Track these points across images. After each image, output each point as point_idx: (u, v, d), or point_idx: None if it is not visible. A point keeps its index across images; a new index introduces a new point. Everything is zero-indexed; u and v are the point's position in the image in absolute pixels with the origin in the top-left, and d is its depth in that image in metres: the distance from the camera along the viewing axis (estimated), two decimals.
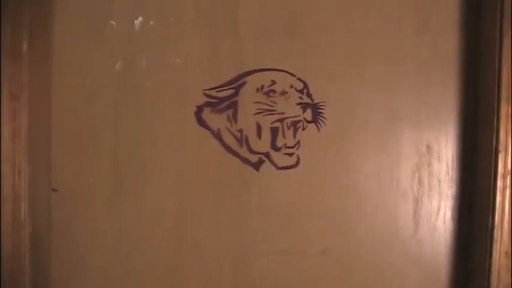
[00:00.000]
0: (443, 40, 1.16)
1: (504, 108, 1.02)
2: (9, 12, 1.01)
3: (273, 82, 1.15)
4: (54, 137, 1.14)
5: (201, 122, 1.15)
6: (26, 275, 1.05)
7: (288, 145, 1.16)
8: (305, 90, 1.15)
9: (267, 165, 1.16)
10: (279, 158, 1.16)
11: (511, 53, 1.03)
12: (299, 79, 1.15)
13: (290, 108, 1.15)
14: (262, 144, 1.16)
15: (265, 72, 1.16)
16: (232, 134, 1.16)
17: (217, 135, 1.16)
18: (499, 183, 1.02)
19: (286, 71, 1.16)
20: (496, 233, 1.03)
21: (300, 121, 1.16)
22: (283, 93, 1.15)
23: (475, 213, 1.13)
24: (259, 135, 1.16)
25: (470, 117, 1.16)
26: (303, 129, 1.16)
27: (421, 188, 1.16)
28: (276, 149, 1.16)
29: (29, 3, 1.03)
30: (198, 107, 1.15)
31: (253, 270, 1.17)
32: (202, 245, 1.17)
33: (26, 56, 1.03)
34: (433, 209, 1.14)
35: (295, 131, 1.16)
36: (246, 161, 1.16)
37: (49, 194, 1.13)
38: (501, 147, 1.02)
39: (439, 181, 1.13)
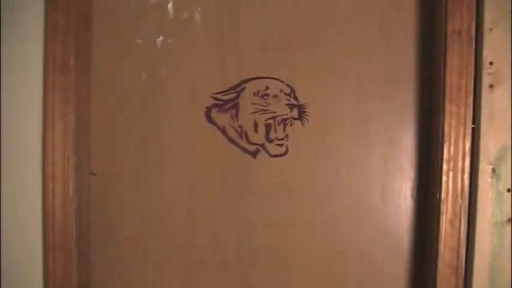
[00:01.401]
0: (404, 53, 1.38)
1: (448, 107, 1.25)
2: (59, 35, 1.28)
3: (267, 87, 1.40)
4: (93, 132, 1.41)
5: (209, 119, 1.41)
6: (73, 240, 1.31)
7: (278, 137, 1.41)
8: (292, 94, 1.40)
9: (262, 154, 1.41)
10: (272, 148, 1.41)
11: (453, 65, 1.25)
12: (287, 85, 1.40)
13: (280, 108, 1.40)
14: (258, 137, 1.41)
15: (260, 80, 1.41)
16: (235, 129, 1.42)
17: (223, 130, 1.41)
18: (445, 167, 1.25)
19: (277, 79, 1.40)
20: (442, 207, 1.26)
21: (288, 118, 1.40)
22: (275, 96, 1.40)
23: (428, 191, 1.36)
24: (256, 130, 1.42)
25: (425, 116, 1.38)
26: (291, 125, 1.40)
27: (387, 172, 1.38)
28: (269, 140, 1.41)
29: (74, 28, 1.28)
30: (207, 107, 1.41)
31: (252, 239, 1.42)
32: (211, 218, 1.43)
33: (73, 68, 1.28)
34: (396, 189, 1.37)
35: (284, 126, 1.41)
36: (245, 150, 1.42)
37: (89, 177, 1.40)
38: (446, 138, 1.25)
39: (401, 166, 1.37)
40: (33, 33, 1.31)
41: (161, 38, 1.43)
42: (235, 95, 1.42)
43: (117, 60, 1.43)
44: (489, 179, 1.29)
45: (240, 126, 1.43)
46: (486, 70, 1.28)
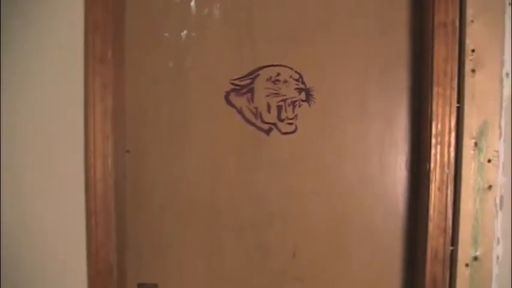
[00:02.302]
0: (397, 42, 1.52)
1: (435, 89, 1.39)
2: (98, 29, 1.44)
3: (278, 74, 1.54)
4: (127, 114, 1.57)
5: (228, 102, 1.56)
6: (112, 207, 1.47)
7: (288, 117, 1.55)
8: (300, 79, 1.54)
9: (274, 132, 1.56)
10: (283, 126, 1.56)
11: (440, 52, 1.39)
12: (296, 71, 1.54)
13: (290, 91, 1.55)
14: (271, 117, 1.56)
15: (272, 67, 1.55)
16: (250, 110, 1.57)
17: (240, 112, 1.56)
18: (433, 141, 1.39)
19: (287, 66, 1.55)
20: (432, 176, 1.40)
21: (297, 100, 1.55)
22: (285, 81, 1.55)
23: (419, 162, 1.50)
24: (269, 111, 1.56)
25: (416, 97, 1.52)
26: (299, 106, 1.55)
27: (384, 147, 1.53)
28: (281, 120, 1.56)
29: (111, 23, 1.45)
30: (226, 92, 1.56)
31: (266, 205, 1.57)
32: (230, 188, 1.57)
33: (110, 59, 1.44)
34: (392, 161, 1.53)
35: (294, 107, 1.55)
36: (260, 128, 1.56)
37: (124, 154, 1.56)
38: (434, 116, 1.39)
39: (396, 142, 1.51)
40: (74, 27, 1.46)
41: (185, 31, 1.57)
42: (250, 80, 1.56)
43: (147, 51, 1.57)
44: (472, 151, 1.42)
45: (255, 108, 1.57)
46: (468, 57, 1.40)
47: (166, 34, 1.58)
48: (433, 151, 1.44)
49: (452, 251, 1.45)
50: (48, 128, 1.50)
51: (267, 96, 1.57)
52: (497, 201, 1.44)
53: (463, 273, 1.43)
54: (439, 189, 1.44)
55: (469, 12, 1.41)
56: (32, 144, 1.50)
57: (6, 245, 1.52)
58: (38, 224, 1.52)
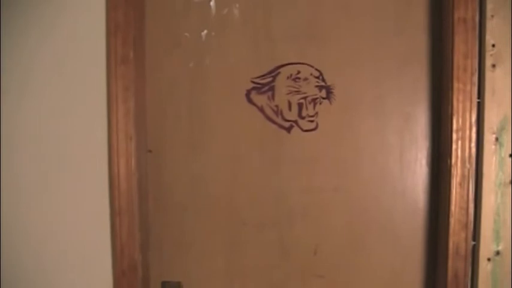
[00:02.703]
0: (416, 38, 1.53)
1: (456, 85, 1.40)
2: (120, 32, 1.46)
3: (298, 72, 1.56)
4: (148, 114, 1.59)
5: (249, 100, 1.58)
6: (135, 206, 1.49)
7: (309, 115, 1.57)
8: (320, 77, 1.55)
9: (295, 129, 1.57)
10: (304, 123, 1.57)
11: (460, 48, 1.40)
12: (316, 69, 1.55)
13: (310, 89, 1.56)
14: (292, 115, 1.58)
15: (293, 65, 1.57)
16: (271, 108, 1.58)
17: (261, 109, 1.58)
18: (454, 136, 1.41)
19: (307, 64, 1.56)
20: (453, 171, 1.42)
21: (317, 98, 1.56)
22: (306, 79, 1.56)
23: (440, 158, 1.51)
24: (290, 108, 1.58)
25: (436, 93, 1.53)
26: (320, 104, 1.56)
27: (403, 143, 1.54)
28: (302, 117, 1.57)
29: (132, 25, 1.47)
30: (247, 90, 1.57)
31: (287, 202, 1.58)
32: (252, 185, 1.59)
33: (132, 60, 1.47)
34: (412, 158, 1.53)
35: (315, 105, 1.57)
36: (281, 126, 1.58)
37: (146, 154, 1.58)
38: (454, 111, 1.40)
39: (416, 138, 1.52)
40: (96, 29, 1.48)
41: (205, 31, 1.59)
42: (271, 78, 1.58)
43: (168, 52, 1.59)
44: (493, 146, 1.43)
45: (276, 106, 1.59)
46: (488, 52, 1.42)
47: (186, 34, 1.60)
48: (453, 146, 1.45)
49: (474, 246, 1.46)
50: (73, 130, 1.53)
51: (288, 94, 1.59)
52: None
53: (484, 268, 1.45)
54: (460, 184, 1.45)
55: (489, 7, 1.42)
56: (56, 146, 1.53)
57: (30, 244, 1.56)
58: (62, 225, 1.55)
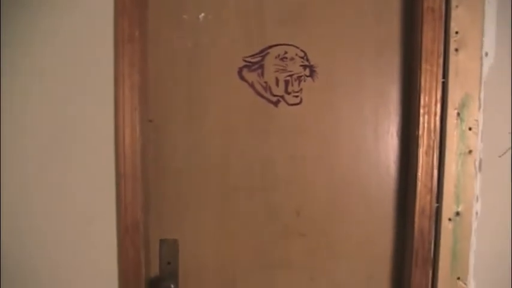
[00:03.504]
0: (391, 24, 1.63)
1: (424, 66, 1.52)
2: (126, 13, 1.56)
3: (285, 52, 1.64)
4: (150, 88, 1.65)
5: (241, 77, 1.66)
6: (139, 171, 1.60)
7: (294, 91, 1.66)
8: (305, 57, 1.64)
9: (282, 103, 1.66)
10: (290, 98, 1.66)
11: (428, 34, 1.52)
12: (301, 50, 1.64)
13: (296, 68, 1.65)
14: (279, 90, 1.66)
15: (280, 46, 1.65)
16: (261, 84, 1.66)
17: (252, 85, 1.66)
18: (421, 111, 1.52)
19: (293, 45, 1.64)
20: (420, 141, 1.53)
21: (302, 76, 1.65)
22: (292, 59, 1.65)
23: (409, 130, 1.61)
24: (277, 84, 1.66)
25: (407, 73, 1.62)
26: (304, 81, 1.65)
27: (379, 117, 1.64)
28: (288, 93, 1.66)
29: (137, 7, 1.56)
30: (239, 68, 1.65)
31: (274, 169, 1.67)
32: (242, 154, 1.67)
33: (137, 39, 1.56)
34: (385, 130, 1.64)
35: (299, 82, 1.65)
36: (269, 101, 1.66)
37: (147, 123, 1.66)
38: (422, 89, 1.52)
39: (389, 112, 1.63)
40: (105, 11, 1.56)
41: (203, 14, 1.65)
42: (261, 58, 1.66)
43: (169, 32, 1.66)
44: (455, 121, 1.54)
45: (265, 82, 1.66)
46: (453, 38, 1.53)
47: (185, 16, 1.66)
48: (421, 120, 1.55)
49: (437, 207, 1.58)
50: (83, 101, 1.60)
51: (276, 71, 1.67)
52: (477, 164, 1.56)
53: (446, 227, 1.56)
54: (426, 153, 1.56)
55: None
56: (67, 116, 1.60)
57: (40, 202, 1.64)
58: (71, 187, 1.63)
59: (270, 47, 1.67)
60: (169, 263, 1.73)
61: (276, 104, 1.69)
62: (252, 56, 1.68)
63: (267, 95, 1.68)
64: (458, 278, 1.59)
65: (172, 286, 1.68)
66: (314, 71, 1.67)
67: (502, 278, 1.61)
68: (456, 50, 1.54)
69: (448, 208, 1.58)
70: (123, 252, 1.63)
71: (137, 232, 1.63)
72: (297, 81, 1.68)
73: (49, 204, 1.64)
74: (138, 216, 1.62)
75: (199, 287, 1.75)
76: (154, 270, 1.74)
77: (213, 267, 1.74)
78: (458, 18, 1.54)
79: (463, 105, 1.55)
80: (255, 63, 1.67)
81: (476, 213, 1.58)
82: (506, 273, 1.60)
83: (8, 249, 1.65)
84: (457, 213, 1.57)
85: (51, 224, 1.65)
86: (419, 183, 1.58)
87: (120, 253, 1.63)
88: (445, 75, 1.56)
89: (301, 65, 1.67)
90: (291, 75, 1.67)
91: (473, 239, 1.58)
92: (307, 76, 1.67)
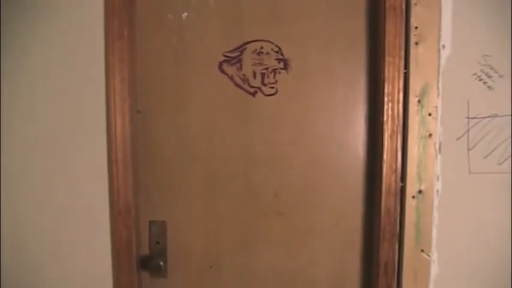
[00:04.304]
0: (358, 21, 1.71)
1: (387, 59, 1.61)
2: (116, 13, 1.67)
3: (262, 47, 1.74)
4: (138, 81, 1.77)
5: (221, 70, 1.75)
6: (130, 158, 1.72)
7: (270, 82, 1.75)
8: (280, 52, 1.74)
9: (259, 94, 1.76)
10: (266, 89, 1.76)
11: (390, 29, 1.60)
12: (276, 45, 1.73)
13: (271, 61, 1.75)
14: (256, 82, 1.76)
15: (257, 42, 1.74)
16: (239, 77, 1.76)
17: (231, 78, 1.76)
18: (386, 99, 1.61)
19: (269, 41, 1.74)
20: (385, 126, 1.62)
21: (277, 69, 1.74)
22: (267, 53, 1.74)
23: (375, 116, 1.70)
24: (254, 77, 1.75)
25: (373, 65, 1.71)
26: (279, 73, 1.74)
27: (348, 105, 1.73)
28: (264, 84, 1.75)
29: (125, 8, 1.68)
30: (220, 62, 1.75)
31: (253, 154, 1.78)
32: (224, 141, 1.78)
33: (126, 37, 1.68)
34: (354, 117, 1.74)
35: (275, 74, 1.75)
36: (247, 92, 1.76)
37: (136, 114, 1.78)
38: (386, 79, 1.61)
39: (357, 101, 1.72)
40: (95, 12, 1.68)
41: (186, 13, 1.75)
42: (239, 53, 1.75)
43: (155, 30, 1.76)
44: (416, 107, 1.62)
45: (243, 75, 1.76)
46: (413, 32, 1.61)
47: (170, 15, 1.76)
48: (385, 107, 1.64)
49: (402, 186, 1.66)
50: (76, 95, 1.72)
51: (253, 65, 1.75)
52: (437, 146, 1.64)
53: (410, 204, 1.65)
54: (390, 137, 1.65)
55: None
56: (62, 108, 1.72)
57: (39, 187, 1.76)
58: (66, 173, 1.75)
59: (248, 42, 1.76)
60: (158, 243, 1.85)
61: (253, 94, 1.78)
62: (231, 51, 1.77)
63: (246, 86, 1.78)
64: (422, 250, 1.67)
65: (161, 263, 1.83)
66: (288, 64, 1.76)
67: (463, 249, 1.69)
68: (416, 43, 1.61)
69: (412, 187, 1.66)
70: (116, 232, 1.75)
71: (129, 214, 1.75)
72: (273, 74, 1.76)
73: (47, 189, 1.77)
74: (129, 200, 1.75)
75: (186, 263, 1.87)
76: (145, 249, 1.87)
77: (199, 245, 1.86)
78: (418, 14, 1.61)
79: (423, 93, 1.62)
80: (234, 58, 1.76)
81: (437, 191, 1.66)
82: (466, 243, 1.69)
83: (7, 231, 1.78)
84: (420, 192, 1.66)
85: (49, 208, 1.78)
86: (385, 165, 1.66)
87: (114, 233, 1.76)
88: (406, 66, 1.63)
89: (276, 59, 1.75)
90: (266, 68, 1.76)
91: (435, 214, 1.66)
92: (281, 69, 1.76)
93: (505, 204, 1.68)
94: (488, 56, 1.63)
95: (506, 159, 1.67)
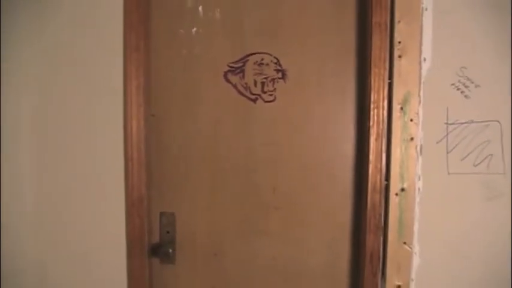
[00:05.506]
0: (348, 37, 1.82)
1: (373, 70, 1.72)
2: (134, 27, 1.85)
3: (262, 59, 1.86)
4: (152, 88, 1.92)
5: (226, 79, 1.89)
6: (143, 156, 1.88)
7: (269, 90, 1.88)
8: (278, 63, 1.86)
9: (260, 101, 1.89)
10: (266, 96, 1.88)
11: (376, 43, 1.73)
12: (275, 57, 1.86)
13: (270, 72, 1.87)
14: (257, 90, 1.88)
15: (258, 54, 1.87)
16: (242, 85, 1.88)
17: (235, 86, 1.89)
18: (372, 106, 1.73)
19: (268, 53, 1.87)
20: (371, 130, 1.74)
21: (275, 78, 1.87)
22: (267, 64, 1.87)
23: (363, 121, 1.81)
24: (255, 85, 1.88)
25: (361, 75, 1.82)
26: (277, 82, 1.87)
27: (338, 111, 1.86)
28: (264, 92, 1.88)
29: (142, 23, 1.86)
30: (225, 72, 1.88)
31: (254, 154, 1.91)
32: (228, 142, 1.90)
33: (142, 49, 1.84)
34: (344, 121, 1.86)
35: (273, 83, 1.87)
36: (249, 98, 1.88)
37: (150, 117, 1.92)
38: (372, 88, 1.74)
39: (347, 107, 1.84)
40: (115, 26, 1.84)
41: (195, 28, 1.89)
42: (242, 64, 1.87)
43: (168, 43, 1.90)
44: (398, 113, 1.73)
45: (246, 83, 1.88)
46: (396, 47, 1.72)
47: (181, 30, 1.89)
48: (371, 113, 1.75)
49: (386, 184, 1.77)
50: (97, 100, 1.87)
51: (254, 75, 1.88)
52: (418, 149, 1.75)
53: (394, 200, 1.77)
54: (376, 140, 1.76)
55: (397, 14, 1.73)
56: (84, 110, 1.88)
57: (61, 182, 1.92)
58: (86, 169, 1.91)
59: (250, 55, 1.88)
60: (168, 232, 2.00)
61: (254, 101, 1.90)
62: (235, 62, 1.89)
63: (247, 94, 1.90)
64: (405, 243, 1.78)
65: (170, 251, 1.99)
66: (285, 74, 1.88)
67: (442, 242, 1.80)
68: (399, 56, 1.73)
69: (395, 185, 1.77)
70: (130, 222, 1.91)
71: (142, 206, 1.90)
72: (272, 83, 1.88)
73: (70, 183, 1.94)
74: (142, 193, 1.90)
75: (192, 251, 2.01)
76: (155, 238, 2.00)
77: (204, 235, 1.98)
78: (401, 31, 1.73)
79: (405, 101, 1.73)
80: (237, 68, 1.89)
81: (419, 189, 1.77)
82: (445, 237, 1.80)
83: (34, 221, 1.96)
84: (402, 189, 1.76)
85: (71, 200, 1.95)
86: (371, 165, 1.78)
87: (128, 223, 1.91)
88: (390, 76, 1.75)
89: (275, 69, 1.88)
90: (266, 78, 1.88)
91: (416, 210, 1.78)
92: (279, 78, 1.88)
93: (479, 201, 1.79)
94: (465, 68, 1.75)
95: (481, 161, 1.77)
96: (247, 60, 1.89)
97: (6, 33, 1.88)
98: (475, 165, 1.78)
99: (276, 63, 1.88)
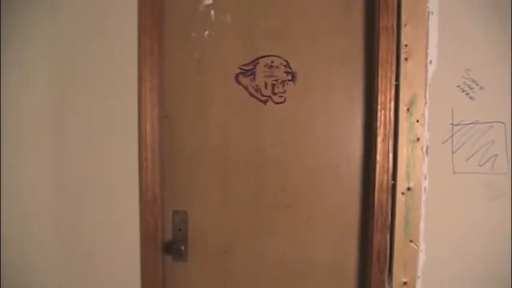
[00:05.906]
0: (356, 40, 1.85)
1: (381, 72, 1.76)
2: (148, 32, 1.89)
3: (272, 61, 1.89)
4: (166, 90, 1.95)
5: (238, 81, 1.91)
6: (157, 156, 1.91)
7: (280, 91, 1.91)
8: (288, 65, 1.89)
9: (270, 102, 1.92)
10: (276, 98, 1.91)
11: (383, 46, 1.76)
12: (285, 60, 1.89)
13: (280, 74, 1.90)
14: (267, 92, 1.91)
15: (268, 57, 1.90)
16: (253, 87, 1.91)
17: (246, 88, 1.91)
18: (379, 107, 1.76)
19: (278, 56, 1.90)
20: (378, 131, 1.78)
21: (285, 80, 1.90)
22: (277, 67, 1.89)
23: (371, 122, 1.84)
24: (266, 87, 1.91)
25: (368, 77, 1.85)
26: (287, 84, 1.90)
27: (346, 112, 1.89)
28: (274, 94, 1.91)
29: (156, 27, 1.90)
30: (236, 74, 1.91)
31: (263, 154, 1.94)
32: (238, 142, 1.94)
33: (156, 52, 1.88)
34: (352, 122, 1.89)
35: (283, 85, 1.90)
36: (259, 100, 1.91)
37: (163, 119, 1.95)
38: (379, 90, 1.77)
39: (355, 108, 1.88)
40: (130, 30, 1.89)
41: (207, 32, 1.92)
42: (253, 66, 1.90)
43: (180, 46, 1.93)
44: (405, 115, 1.76)
45: (256, 85, 1.90)
46: (403, 50, 1.76)
47: (193, 34, 1.93)
48: (379, 114, 1.78)
49: (393, 183, 1.80)
50: (113, 101, 1.91)
51: (265, 77, 1.90)
52: (424, 149, 1.78)
53: (400, 199, 1.79)
54: (383, 140, 1.79)
55: (403, 18, 1.76)
56: (100, 112, 1.93)
57: (79, 181, 1.97)
58: (102, 168, 1.95)
59: (260, 57, 1.92)
60: (180, 230, 2.04)
61: (265, 102, 1.93)
62: (246, 64, 1.93)
63: (258, 95, 1.93)
64: (411, 241, 1.81)
65: (182, 248, 2.03)
66: (295, 76, 1.91)
67: (448, 240, 1.82)
68: (406, 59, 1.76)
69: (401, 184, 1.80)
70: (144, 220, 1.95)
71: (155, 204, 1.95)
72: (282, 85, 1.91)
73: (86, 182, 1.99)
74: (156, 192, 1.94)
75: (203, 248, 2.04)
76: (168, 235, 2.04)
77: (215, 233, 2.02)
78: (407, 34, 1.76)
79: (411, 103, 1.76)
80: (248, 71, 1.92)
81: (425, 188, 1.80)
82: (451, 235, 1.82)
83: (52, 219, 2.01)
84: (409, 189, 1.79)
85: (87, 198, 2.00)
86: (378, 165, 1.81)
87: (142, 221, 1.95)
88: (397, 79, 1.77)
89: (285, 72, 1.91)
90: (276, 80, 1.91)
91: (422, 209, 1.81)
92: (289, 80, 1.91)
93: (483, 200, 1.81)
94: (470, 70, 1.78)
95: (486, 161, 1.80)
96: (258, 62, 1.92)
97: (23, 34, 1.94)
98: (480, 165, 1.81)
99: (285, 66, 1.91)
